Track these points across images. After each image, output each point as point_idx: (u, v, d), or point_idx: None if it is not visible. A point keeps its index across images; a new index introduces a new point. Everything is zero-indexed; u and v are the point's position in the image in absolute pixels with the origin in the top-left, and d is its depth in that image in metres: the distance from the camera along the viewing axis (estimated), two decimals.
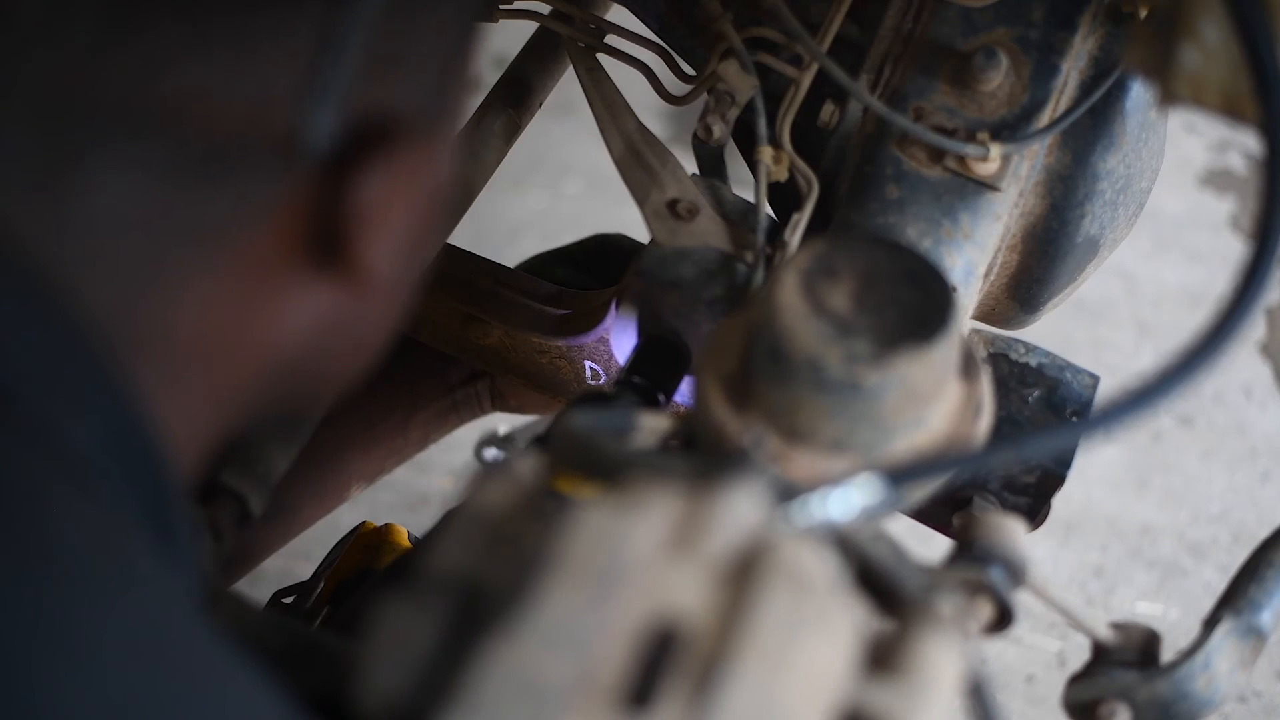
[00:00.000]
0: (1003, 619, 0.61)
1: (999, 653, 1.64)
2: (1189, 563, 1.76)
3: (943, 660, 0.46)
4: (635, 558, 0.43)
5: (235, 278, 0.49)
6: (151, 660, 0.43)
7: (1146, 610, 1.72)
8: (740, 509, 0.46)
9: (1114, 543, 1.78)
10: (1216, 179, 2.22)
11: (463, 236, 1.03)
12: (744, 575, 0.44)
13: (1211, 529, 1.80)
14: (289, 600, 0.91)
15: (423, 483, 1.76)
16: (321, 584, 0.90)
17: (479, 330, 0.93)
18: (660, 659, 0.42)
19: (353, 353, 0.56)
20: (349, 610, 0.87)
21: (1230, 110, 0.53)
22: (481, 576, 0.45)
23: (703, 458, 0.56)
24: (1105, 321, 2.02)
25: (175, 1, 0.46)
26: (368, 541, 0.94)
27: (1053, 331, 1.87)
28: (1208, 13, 0.52)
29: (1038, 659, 1.65)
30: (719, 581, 0.44)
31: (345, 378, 0.57)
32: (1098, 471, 1.83)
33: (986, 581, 0.60)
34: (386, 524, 0.95)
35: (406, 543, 0.94)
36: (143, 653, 0.43)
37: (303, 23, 0.47)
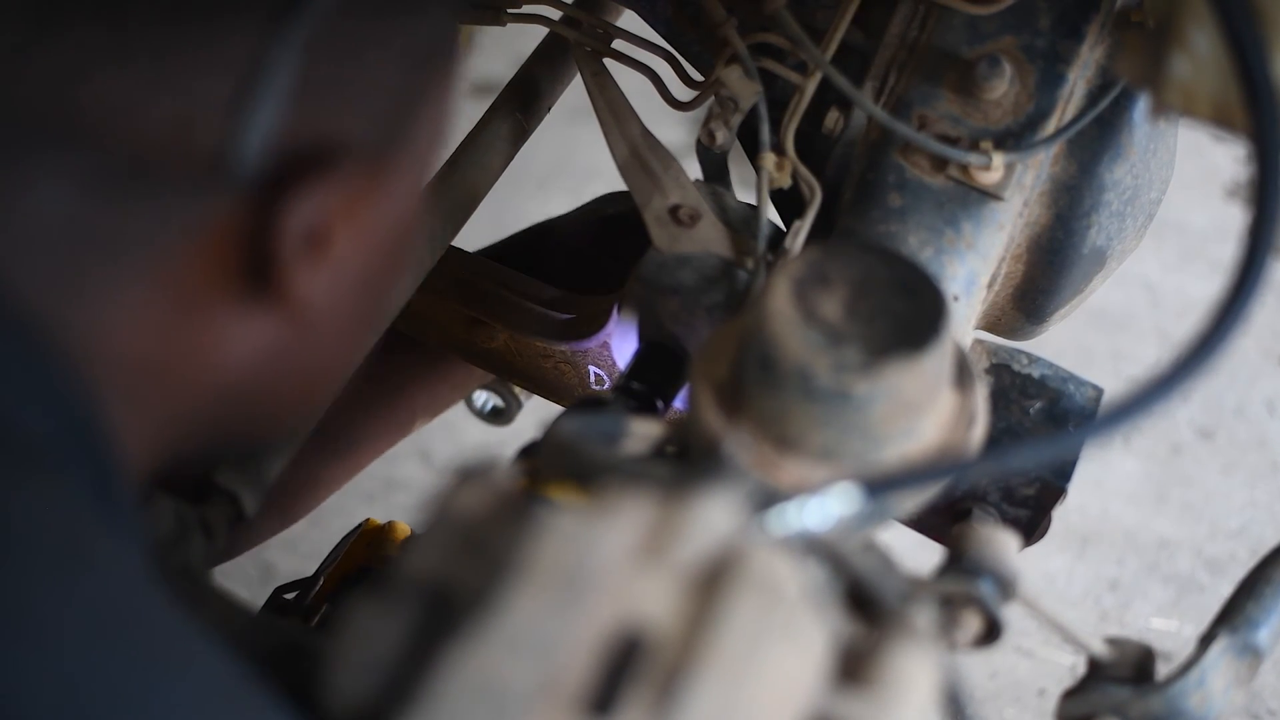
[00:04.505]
0: (991, 632, 0.61)
1: (1011, 666, 1.63)
2: (1206, 578, 1.74)
3: (915, 671, 0.45)
4: (603, 564, 0.43)
5: (165, 296, 0.48)
6: (110, 639, 0.43)
7: (1161, 626, 1.70)
8: (713, 517, 0.45)
9: (1130, 556, 1.76)
10: (1244, 190, 2.20)
11: (487, 239, 1.03)
12: (712, 584, 0.44)
13: (1230, 544, 1.77)
14: (290, 597, 0.91)
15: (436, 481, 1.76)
16: (322, 581, 0.90)
17: (484, 334, 0.93)
18: (625, 666, 0.42)
19: (301, 386, 0.55)
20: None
21: (1221, 120, 0.53)
22: (451, 580, 0.45)
23: (684, 465, 0.56)
24: (1128, 333, 2.00)
25: (95, 7, 0.45)
26: (371, 539, 0.93)
27: (1073, 343, 1.86)
28: (1198, 22, 0.51)
29: (1050, 673, 1.64)
30: (688, 589, 0.44)
31: (299, 410, 0.56)
32: (1116, 484, 1.81)
33: (974, 594, 0.60)
34: (390, 521, 0.95)
35: None
36: (101, 632, 0.43)
37: (232, 39, 0.46)
